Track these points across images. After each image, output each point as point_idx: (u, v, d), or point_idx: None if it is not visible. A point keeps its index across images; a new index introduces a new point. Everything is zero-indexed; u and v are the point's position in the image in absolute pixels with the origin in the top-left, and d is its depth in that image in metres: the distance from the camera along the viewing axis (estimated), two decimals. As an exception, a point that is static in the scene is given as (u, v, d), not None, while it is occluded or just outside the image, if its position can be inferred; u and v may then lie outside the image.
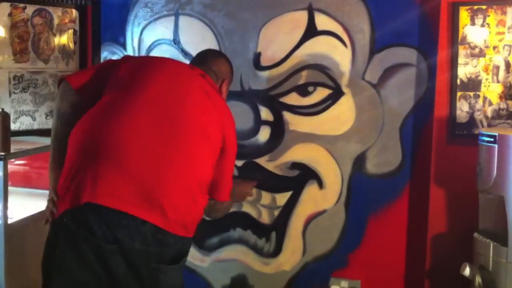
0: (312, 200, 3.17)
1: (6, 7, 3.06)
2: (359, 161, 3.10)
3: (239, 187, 2.51)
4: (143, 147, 1.97)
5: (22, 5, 3.12)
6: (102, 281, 1.94)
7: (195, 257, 3.34)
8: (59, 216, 1.96)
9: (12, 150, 2.84)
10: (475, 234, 2.58)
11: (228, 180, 2.27)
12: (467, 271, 2.54)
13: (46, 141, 3.25)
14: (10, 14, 3.08)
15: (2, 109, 2.85)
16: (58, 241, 1.94)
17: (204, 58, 2.45)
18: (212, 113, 2.14)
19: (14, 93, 3.11)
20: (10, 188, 2.85)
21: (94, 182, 1.91)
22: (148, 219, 1.93)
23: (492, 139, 2.45)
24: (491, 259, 2.46)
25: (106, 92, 2.10)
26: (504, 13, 2.73)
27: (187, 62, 3.15)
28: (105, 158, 1.94)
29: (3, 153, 2.77)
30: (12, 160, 3.07)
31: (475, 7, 2.76)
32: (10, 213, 2.82)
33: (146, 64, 2.20)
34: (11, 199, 2.84)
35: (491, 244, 2.46)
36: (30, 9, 3.15)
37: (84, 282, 1.94)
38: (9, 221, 2.80)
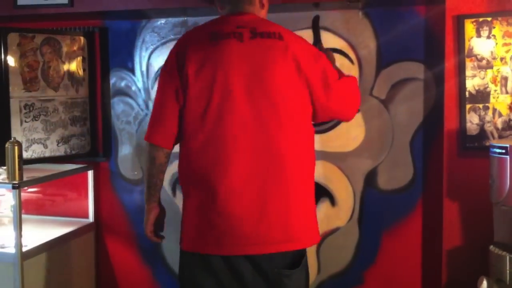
0: (325, 218, 3.16)
1: (15, 37, 3.10)
2: (371, 177, 3.10)
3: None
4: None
5: (31, 34, 3.17)
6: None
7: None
8: None
9: (24, 178, 2.87)
10: (491, 247, 2.55)
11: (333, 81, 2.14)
12: (484, 285, 2.51)
13: (58, 168, 3.30)
14: (19, 44, 3.11)
15: (14, 138, 2.88)
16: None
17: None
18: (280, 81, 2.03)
19: (25, 121, 3.14)
20: (23, 216, 2.87)
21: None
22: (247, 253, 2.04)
23: (503, 151, 2.43)
24: (508, 272, 2.42)
25: (188, 119, 2.07)
26: (509, 24, 2.72)
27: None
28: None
29: (16, 182, 2.80)
30: (25, 188, 3.10)
31: (480, 19, 2.76)
32: (24, 240, 2.84)
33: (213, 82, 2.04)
34: (25, 227, 2.86)
35: (508, 257, 2.43)
36: (39, 38, 3.19)
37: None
38: (24, 249, 2.82)
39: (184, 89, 2.05)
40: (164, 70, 2.14)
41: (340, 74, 2.20)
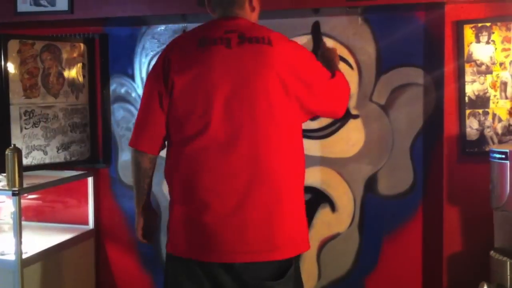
0: (325, 223, 3.15)
1: (15, 44, 3.10)
2: (371, 182, 3.09)
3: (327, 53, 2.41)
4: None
5: (30, 41, 3.17)
6: None
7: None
8: None
9: (24, 185, 2.87)
10: (492, 252, 2.55)
11: (329, 90, 2.12)
12: (485, 290, 2.51)
13: (58, 174, 3.29)
14: (19, 51, 3.12)
15: (14, 145, 2.88)
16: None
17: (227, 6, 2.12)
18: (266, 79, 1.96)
19: (25, 128, 3.14)
20: (23, 223, 2.87)
21: None
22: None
23: (503, 156, 2.44)
24: (508, 277, 2.42)
25: (173, 122, 2.06)
26: (508, 29, 2.73)
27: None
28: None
29: (16, 189, 2.79)
30: (25, 194, 3.09)
31: (480, 24, 2.77)
32: (24, 247, 2.83)
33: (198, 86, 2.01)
34: (24, 234, 2.86)
35: (508, 262, 2.43)
36: (39, 45, 3.20)
37: None
38: (24, 256, 2.81)
39: (169, 94, 2.03)
40: (151, 75, 2.12)
41: (334, 71, 2.19)
